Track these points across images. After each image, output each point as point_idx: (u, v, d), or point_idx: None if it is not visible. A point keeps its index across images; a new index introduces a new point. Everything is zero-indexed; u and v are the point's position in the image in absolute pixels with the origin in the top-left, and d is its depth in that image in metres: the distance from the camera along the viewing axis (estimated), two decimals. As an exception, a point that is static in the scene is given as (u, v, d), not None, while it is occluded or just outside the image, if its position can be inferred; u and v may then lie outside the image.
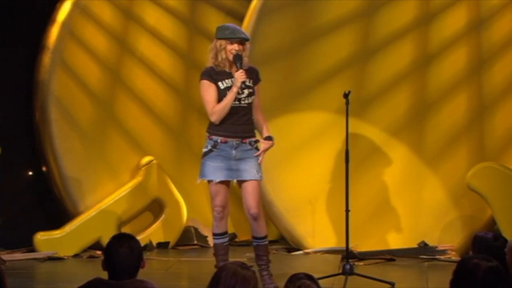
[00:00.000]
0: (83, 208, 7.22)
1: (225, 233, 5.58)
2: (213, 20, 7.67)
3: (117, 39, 7.40)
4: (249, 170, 5.46)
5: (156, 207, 7.45)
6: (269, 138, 5.57)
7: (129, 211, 7.29)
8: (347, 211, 6.06)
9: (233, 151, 5.46)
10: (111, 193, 7.29)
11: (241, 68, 5.43)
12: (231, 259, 5.44)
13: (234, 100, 5.44)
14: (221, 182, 5.47)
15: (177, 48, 7.59)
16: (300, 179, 7.04)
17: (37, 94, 7.28)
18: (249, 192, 5.47)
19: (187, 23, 7.61)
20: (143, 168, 7.35)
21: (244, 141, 5.48)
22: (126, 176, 7.39)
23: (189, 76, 7.66)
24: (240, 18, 7.27)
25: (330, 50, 7.10)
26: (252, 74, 5.54)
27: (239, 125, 5.48)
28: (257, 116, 5.58)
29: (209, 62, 5.54)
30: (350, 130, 6.08)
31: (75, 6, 7.23)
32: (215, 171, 5.46)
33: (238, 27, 5.61)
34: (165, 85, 7.57)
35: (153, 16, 7.51)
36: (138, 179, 7.34)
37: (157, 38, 7.52)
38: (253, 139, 5.53)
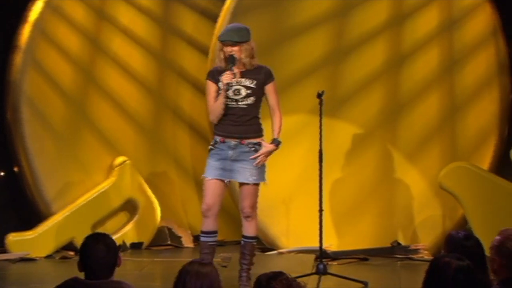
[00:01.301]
0: (56, 209, 7.18)
1: (212, 232, 5.51)
2: (187, 19, 7.66)
3: (89, 39, 7.37)
4: (241, 172, 5.43)
5: (129, 208, 7.42)
6: (273, 141, 5.48)
7: (102, 211, 7.26)
8: (320, 210, 6.08)
9: (230, 152, 5.43)
10: (84, 193, 7.25)
11: (231, 69, 5.41)
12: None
13: (232, 101, 5.44)
14: (214, 181, 5.44)
15: (150, 48, 7.57)
16: (274, 178, 7.00)
17: (8, 94, 7.22)
18: (244, 195, 5.47)
19: (161, 23, 7.59)
20: (116, 169, 7.33)
21: (242, 142, 5.44)
22: (99, 176, 7.35)
23: (163, 76, 7.65)
24: (213, 18, 7.26)
25: (304, 50, 7.12)
26: (258, 74, 5.49)
27: (236, 125, 5.44)
28: (272, 116, 5.52)
29: (216, 62, 5.56)
30: (324, 130, 6.10)
31: (47, 5, 7.19)
32: (210, 169, 5.46)
33: (234, 28, 5.50)
34: (138, 85, 7.55)
35: (126, 16, 7.49)
36: (111, 179, 7.31)
37: (130, 38, 7.50)
38: (254, 140, 5.45)
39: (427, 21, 7.13)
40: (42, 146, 7.18)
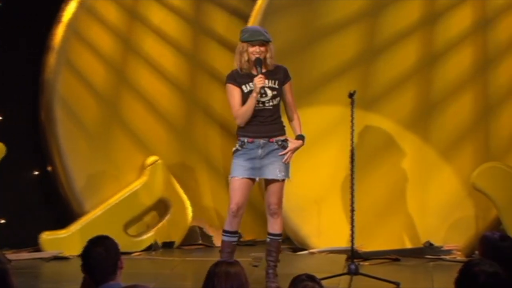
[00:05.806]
0: (89, 208, 7.23)
1: (236, 232, 5.61)
2: (218, 19, 7.67)
3: (122, 39, 7.41)
4: (271, 169, 5.52)
5: (161, 207, 7.45)
6: (299, 137, 5.62)
7: (134, 210, 7.30)
8: (352, 210, 6.06)
9: (260, 150, 5.53)
10: (117, 192, 7.29)
11: (261, 72, 5.47)
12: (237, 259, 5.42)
13: (258, 103, 5.52)
14: (243, 181, 5.52)
15: (181, 48, 7.59)
16: (305, 178, 7.03)
17: (42, 93, 7.29)
18: (272, 191, 5.55)
19: (192, 23, 7.61)
20: (148, 168, 7.36)
21: (271, 140, 5.56)
22: (131, 175, 7.39)
23: (194, 76, 7.66)
24: (245, 18, 7.27)
25: (335, 49, 7.09)
26: (278, 74, 5.57)
27: (265, 125, 5.55)
28: (291, 114, 5.64)
29: (234, 65, 5.59)
30: (355, 130, 6.08)
31: (81, 6, 7.24)
32: (239, 168, 5.53)
33: (259, 29, 5.65)
34: (170, 84, 7.57)
35: (158, 16, 7.52)
36: (143, 178, 7.34)
37: (162, 38, 7.52)
38: (281, 138, 5.58)
39: (460, 20, 7.06)
40: (75, 146, 7.23)
